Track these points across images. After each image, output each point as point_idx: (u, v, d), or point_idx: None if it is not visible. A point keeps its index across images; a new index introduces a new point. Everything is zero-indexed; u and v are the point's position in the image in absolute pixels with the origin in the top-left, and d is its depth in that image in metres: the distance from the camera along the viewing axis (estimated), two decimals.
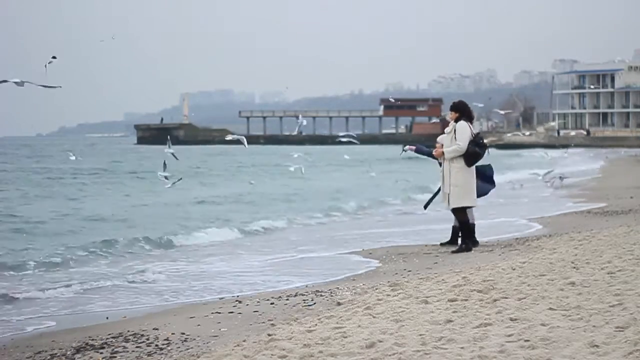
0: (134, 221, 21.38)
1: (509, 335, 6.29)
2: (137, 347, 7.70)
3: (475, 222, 13.73)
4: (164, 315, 9.33)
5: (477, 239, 13.55)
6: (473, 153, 13.06)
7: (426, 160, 14.71)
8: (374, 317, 7.48)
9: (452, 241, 13.82)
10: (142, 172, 46.67)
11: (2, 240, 16.98)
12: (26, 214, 22.70)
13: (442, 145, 13.21)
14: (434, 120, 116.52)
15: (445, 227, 17.96)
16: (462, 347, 6.05)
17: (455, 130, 13.08)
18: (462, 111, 13.22)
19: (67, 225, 20.38)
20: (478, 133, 13.34)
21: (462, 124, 13.10)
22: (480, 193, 13.63)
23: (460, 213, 13.32)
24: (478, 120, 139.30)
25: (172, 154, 15.69)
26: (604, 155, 65.90)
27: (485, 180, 13.74)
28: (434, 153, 13.49)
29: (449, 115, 13.43)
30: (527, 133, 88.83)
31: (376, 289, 9.38)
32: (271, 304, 9.43)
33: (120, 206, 26.14)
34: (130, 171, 50.28)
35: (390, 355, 5.97)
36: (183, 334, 8.08)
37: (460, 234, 13.51)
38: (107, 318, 9.57)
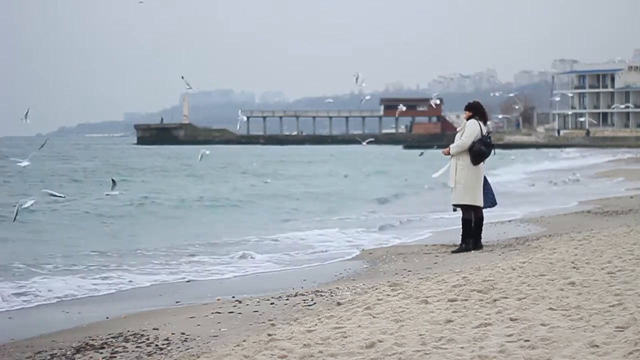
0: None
1: (509, 335, 6.28)
2: (137, 347, 7.70)
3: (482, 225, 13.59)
4: (164, 315, 9.32)
5: (482, 242, 13.43)
6: (478, 151, 13.12)
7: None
8: (374, 317, 7.47)
9: (476, 239, 13.53)
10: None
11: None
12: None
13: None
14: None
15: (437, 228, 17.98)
16: (462, 347, 6.05)
17: (464, 128, 13.24)
18: (475, 111, 13.39)
19: None
20: (488, 133, 13.43)
21: (472, 122, 13.27)
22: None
23: (464, 211, 13.33)
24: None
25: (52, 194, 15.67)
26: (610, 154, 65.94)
27: (489, 196, 13.65)
28: (442, 152, 13.61)
29: (463, 115, 13.54)
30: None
31: (376, 289, 9.38)
32: (271, 304, 9.43)
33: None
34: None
35: (390, 355, 5.97)
36: (183, 334, 8.07)
37: (477, 229, 13.39)
38: (107, 318, 9.57)
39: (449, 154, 13.34)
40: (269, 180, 35.34)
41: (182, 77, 17.52)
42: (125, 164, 58.95)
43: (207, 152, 19.36)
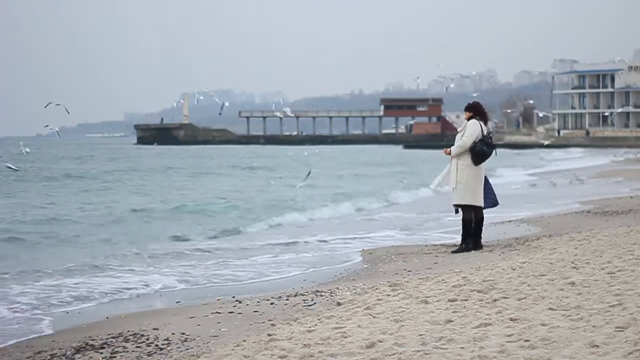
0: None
1: (509, 335, 6.29)
2: (137, 347, 7.70)
3: (482, 225, 13.67)
4: (164, 315, 9.33)
5: (482, 242, 13.46)
6: (480, 151, 13.12)
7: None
8: (374, 317, 7.48)
9: (476, 239, 13.58)
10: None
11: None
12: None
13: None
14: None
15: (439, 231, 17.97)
16: (462, 347, 6.05)
17: (465, 128, 13.25)
18: (476, 111, 13.40)
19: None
20: (489, 133, 13.43)
21: (472, 122, 13.28)
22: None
23: (465, 211, 13.34)
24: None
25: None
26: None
27: (490, 196, 13.67)
28: (443, 151, 13.62)
29: (464, 115, 13.58)
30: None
31: (376, 289, 9.38)
32: (271, 304, 9.43)
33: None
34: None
35: (390, 355, 5.97)
36: (183, 334, 8.07)
37: (477, 229, 13.41)
38: (107, 318, 9.57)
39: (449, 153, 13.34)
40: (272, 182, 35.38)
41: (46, 126, 17.91)
42: (141, 165, 58.68)
43: (28, 149, 21.02)
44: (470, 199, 13.23)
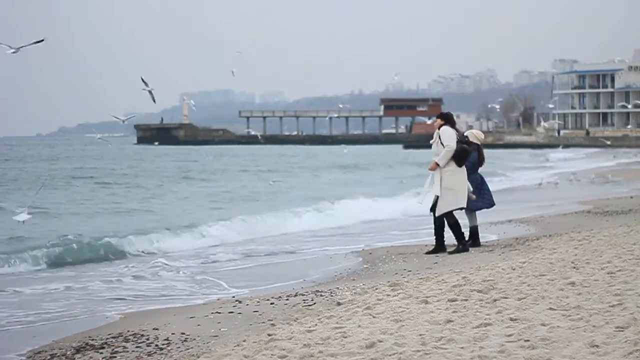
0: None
1: (509, 335, 6.29)
2: (137, 347, 7.70)
3: (478, 224, 13.80)
4: (164, 315, 9.33)
5: (480, 242, 13.52)
6: (461, 150, 13.12)
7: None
8: (374, 317, 7.48)
9: (474, 239, 13.69)
10: None
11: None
12: None
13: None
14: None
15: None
16: (462, 347, 6.05)
17: (440, 136, 13.16)
18: (447, 120, 13.37)
19: None
20: (463, 133, 13.49)
21: (445, 128, 13.22)
22: (476, 207, 13.62)
23: (449, 215, 13.23)
24: (478, 120, 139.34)
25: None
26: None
27: (487, 196, 13.69)
28: (429, 168, 13.45)
29: (436, 122, 13.57)
30: None
31: (376, 289, 9.38)
32: (271, 304, 9.43)
33: None
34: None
35: (390, 355, 5.97)
36: (183, 334, 8.08)
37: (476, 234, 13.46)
38: (106, 318, 9.58)
39: (435, 168, 13.15)
40: (272, 183, 35.46)
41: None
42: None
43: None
44: (454, 204, 13.13)
